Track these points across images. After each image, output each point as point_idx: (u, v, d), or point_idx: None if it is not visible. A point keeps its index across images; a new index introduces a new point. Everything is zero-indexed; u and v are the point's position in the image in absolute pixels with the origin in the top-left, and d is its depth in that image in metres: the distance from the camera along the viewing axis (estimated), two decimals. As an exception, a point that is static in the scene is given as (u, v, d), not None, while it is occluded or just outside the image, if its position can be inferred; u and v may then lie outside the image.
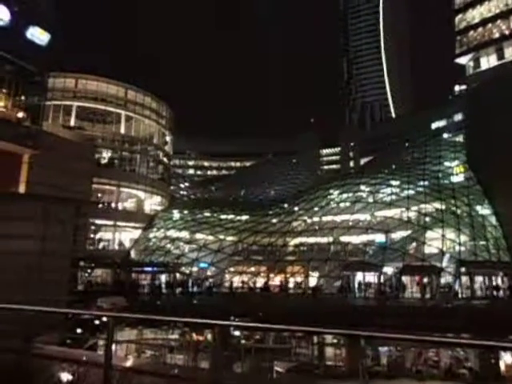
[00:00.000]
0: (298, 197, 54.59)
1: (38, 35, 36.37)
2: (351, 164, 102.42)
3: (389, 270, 39.16)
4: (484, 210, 42.30)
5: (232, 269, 43.70)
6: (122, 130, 54.24)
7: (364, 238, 44.21)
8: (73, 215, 15.12)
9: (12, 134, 33.65)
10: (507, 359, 23.15)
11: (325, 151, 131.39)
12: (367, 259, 41.03)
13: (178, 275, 41.91)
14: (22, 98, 35.86)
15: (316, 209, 48.25)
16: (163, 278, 41.82)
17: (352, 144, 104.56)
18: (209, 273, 44.30)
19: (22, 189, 35.53)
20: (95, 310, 23.81)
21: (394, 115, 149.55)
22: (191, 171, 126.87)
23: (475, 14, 64.15)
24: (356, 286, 38.84)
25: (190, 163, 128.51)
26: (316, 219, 47.29)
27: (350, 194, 49.04)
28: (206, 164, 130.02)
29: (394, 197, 45.59)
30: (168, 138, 62.96)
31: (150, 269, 41.24)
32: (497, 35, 61.06)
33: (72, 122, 50.57)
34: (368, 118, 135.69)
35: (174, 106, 62.88)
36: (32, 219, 13.54)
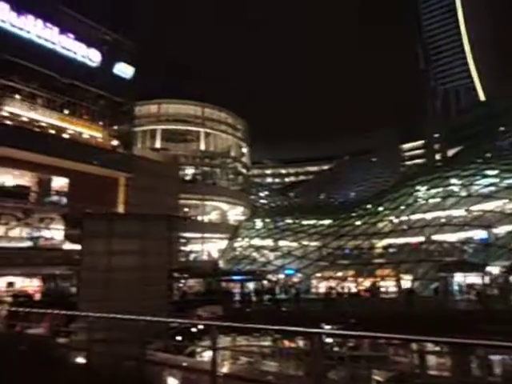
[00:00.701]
0: (381, 196, 52.23)
1: (123, 70, 40.41)
2: (437, 157, 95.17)
3: (494, 269, 35.33)
4: None
5: (318, 274, 43.16)
6: (202, 147, 57.25)
7: (461, 235, 40.58)
8: (166, 230, 16.38)
9: (109, 160, 37.67)
10: None
11: (406, 146, 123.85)
12: (467, 258, 37.53)
13: (265, 283, 42.57)
14: (115, 127, 40.00)
15: (402, 207, 45.63)
16: (251, 285, 42.78)
17: (437, 135, 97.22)
18: (295, 279, 44.27)
19: (120, 209, 39.39)
20: (196, 318, 25.37)
21: (482, 98, 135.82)
22: (269, 179, 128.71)
23: None
24: (456, 288, 35.67)
25: (268, 172, 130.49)
26: (403, 218, 44.68)
27: (440, 189, 45.47)
28: (283, 171, 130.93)
29: (492, 188, 41.21)
30: (245, 150, 64.84)
31: (238, 277, 42.51)
32: None
33: (158, 144, 54.85)
34: (453, 104, 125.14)
35: (246, 117, 64.76)
36: (132, 236, 14.99)
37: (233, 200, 57.91)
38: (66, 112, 35.60)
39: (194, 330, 22.50)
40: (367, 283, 41.03)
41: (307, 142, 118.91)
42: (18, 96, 32.58)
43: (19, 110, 32.50)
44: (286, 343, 28.63)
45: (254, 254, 48.38)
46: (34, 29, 33.10)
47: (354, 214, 49.92)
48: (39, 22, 33.45)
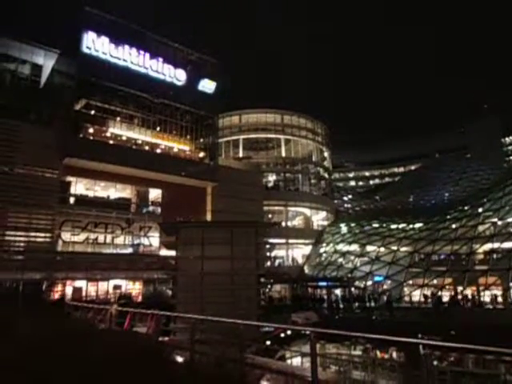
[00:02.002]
0: (480, 196, 47.32)
1: (207, 85, 42.76)
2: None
3: None
4: None
5: (410, 281, 40.48)
6: (283, 153, 57.80)
7: None
8: (253, 236, 16.84)
9: (197, 171, 40.02)
10: None
11: (509, 139, 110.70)
12: None
13: (352, 289, 41.26)
14: (201, 140, 42.42)
15: (507, 208, 40.79)
16: (338, 292, 41.79)
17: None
18: (385, 286, 42.10)
19: (208, 216, 41.48)
20: (291, 324, 25.67)
21: None
22: (352, 183, 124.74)
23: None
24: None
25: (350, 175, 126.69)
26: (510, 220, 39.90)
27: (555, 186, 39.77)
28: (366, 174, 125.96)
29: None
30: (326, 154, 63.90)
31: (324, 283, 41.86)
32: None
33: (240, 154, 56.73)
34: None
35: (327, 119, 63.86)
36: (223, 243, 15.71)
37: (316, 205, 57.33)
38: (158, 129, 38.77)
39: (282, 335, 22.69)
40: (468, 292, 37.35)
41: (391, 142, 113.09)
42: (118, 118, 36.40)
43: (120, 130, 36.26)
44: (378, 353, 27.31)
45: (340, 260, 47.16)
46: (129, 57, 36.76)
47: (448, 217, 45.95)
48: (133, 50, 37.07)
